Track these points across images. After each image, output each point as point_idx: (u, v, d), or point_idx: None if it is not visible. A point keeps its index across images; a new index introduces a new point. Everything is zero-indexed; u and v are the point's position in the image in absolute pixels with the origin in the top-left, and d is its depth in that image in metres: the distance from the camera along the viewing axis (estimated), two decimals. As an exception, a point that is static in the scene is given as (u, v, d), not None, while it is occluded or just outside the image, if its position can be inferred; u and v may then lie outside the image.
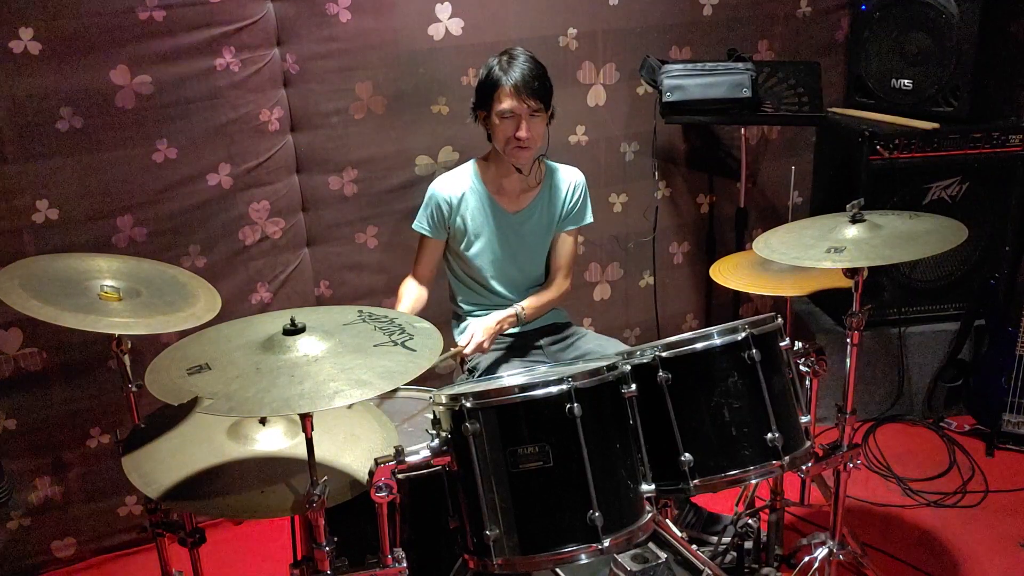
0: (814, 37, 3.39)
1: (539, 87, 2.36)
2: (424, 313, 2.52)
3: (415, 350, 1.59)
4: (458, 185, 2.52)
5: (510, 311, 2.48)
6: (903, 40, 3.17)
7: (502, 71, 2.34)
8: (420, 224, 2.54)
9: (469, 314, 2.63)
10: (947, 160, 3.12)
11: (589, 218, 2.63)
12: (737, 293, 3.31)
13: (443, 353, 2.24)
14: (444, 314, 2.73)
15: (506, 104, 2.34)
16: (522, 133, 2.35)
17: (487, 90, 2.37)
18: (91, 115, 2.49)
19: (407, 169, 2.96)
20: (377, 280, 3.03)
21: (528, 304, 2.53)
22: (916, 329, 3.29)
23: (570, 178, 2.59)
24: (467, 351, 2.37)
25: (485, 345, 2.39)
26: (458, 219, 2.51)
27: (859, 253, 1.95)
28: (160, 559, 2.06)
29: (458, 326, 2.67)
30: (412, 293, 2.56)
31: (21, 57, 2.38)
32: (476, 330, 2.40)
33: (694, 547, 2.06)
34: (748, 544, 2.33)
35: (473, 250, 2.54)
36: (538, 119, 2.38)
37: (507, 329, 2.49)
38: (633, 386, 1.77)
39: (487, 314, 2.60)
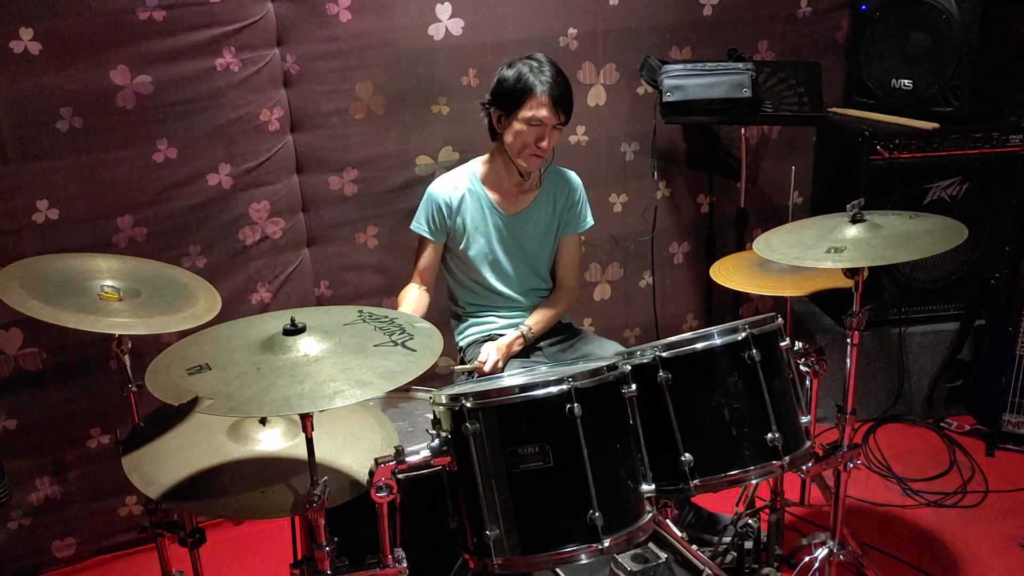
0: (814, 37, 3.39)
1: (570, 102, 2.39)
2: (424, 313, 2.52)
3: (415, 350, 1.59)
4: (457, 187, 2.52)
5: (515, 333, 2.50)
6: (903, 40, 3.17)
7: (536, 79, 2.33)
8: (420, 226, 2.54)
9: (470, 315, 2.64)
10: (947, 160, 3.12)
11: (590, 221, 2.64)
12: (737, 293, 3.31)
13: (460, 367, 2.41)
14: (444, 315, 2.73)
15: (540, 112, 2.33)
16: (545, 143, 2.36)
17: (518, 93, 2.34)
18: (91, 115, 2.49)
19: (407, 169, 2.96)
20: (377, 280, 3.03)
21: (535, 321, 2.55)
22: (916, 329, 3.29)
23: (569, 182, 2.61)
24: (486, 368, 2.40)
25: (500, 364, 2.43)
26: (457, 220, 2.51)
27: (859, 253, 1.95)
28: (160, 559, 2.06)
29: (458, 327, 2.67)
30: (413, 298, 2.54)
31: (21, 57, 2.38)
32: (491, 351, 2.43)
33: (694, 547, 2.06)
34: (748, 544, 2.33)
35: (472, 251, 2.54)
36: (558, 131, 2.40)
37: (517, 350, 2.49)
38: (633, 386, 1.78)
39: (487, 315, 2.61)
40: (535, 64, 2.36)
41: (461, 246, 2.54)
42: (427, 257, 2.56)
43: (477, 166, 2.55)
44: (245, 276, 2.83)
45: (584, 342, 2.61)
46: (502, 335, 2.53)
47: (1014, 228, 3.20)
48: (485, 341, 2.54)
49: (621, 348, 2.57)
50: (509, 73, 2.38)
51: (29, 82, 2.40)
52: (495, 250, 2.54)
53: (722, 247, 3.40)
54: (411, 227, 2.56)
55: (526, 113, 2.34)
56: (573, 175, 2.63)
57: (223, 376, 1.48)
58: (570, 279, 2.66)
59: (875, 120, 3.23)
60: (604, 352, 2.52)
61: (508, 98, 2.37)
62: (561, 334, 2.64)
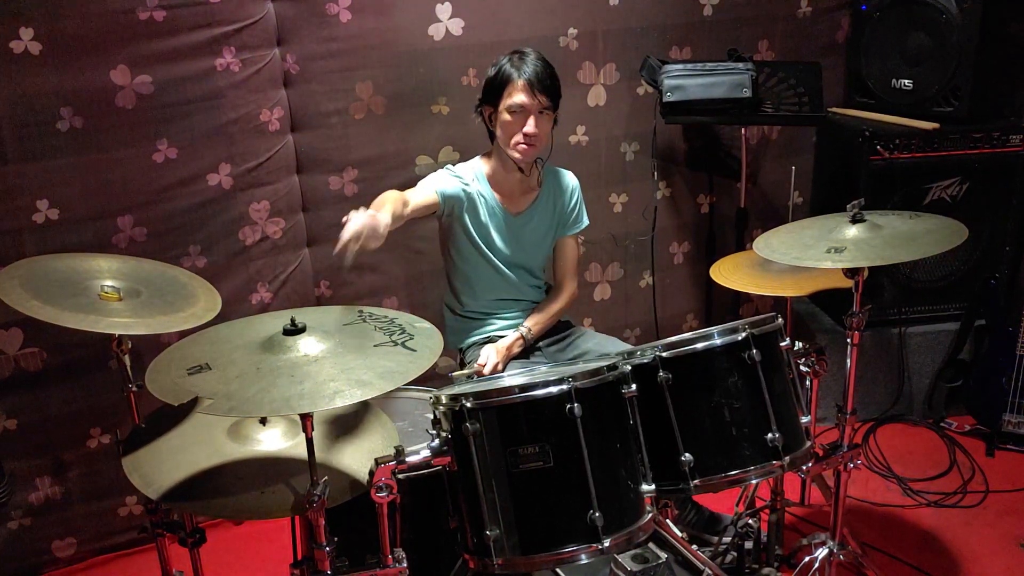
0: (814, 37, 3.39)
1: (551, 85, 2.38)
2: (425, 313, 2.51)
3: (415, 350, 1.59)
4: (468, 181, 2.51)
5: (515, 335, 2.51)
6: (903, 40, 3.17)
7: (514, 67, 2.36)
8: (431, 181, 2.44)
9: (469, 317, 2.63)
10: (947, 160, 3.12)
11: (586, 221, 2.65)
12: (737, 293, 3.31)
13: (460, 372, 2.34)
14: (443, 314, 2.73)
15: (517, 99, 2.34)
16: (529, 128, 2.36)
17: (498, 85, 2.37)
18: (91, 115, 2.49)
19: (407, 169, 2.96)
20: (377, 280, 3.03)
21: (534, 322, 2.55)
22: (916, 329, 3.29)
23: (567, 182, 2.61)
24: (485, 371, 2.40)
25: (500, 367, 2.44)
26: (464, 214, 2.50)
27: (859, 253, 1.95)
28: (160, 559, 2.06)
29: (458, 328, 2.67)
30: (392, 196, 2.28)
31: (21, 57, 2.38)
32: (491, 353, 2.44)
33: (694, 547, 2.06)
34: (748, 544, 2.33)
35: (477, 248, 2.53)
36: (545, 117, 2.40)
37: (516, 351, 2.50)
38: (633, 386, 1.77)
39: (486, 316, 2.61)
40: (516, 57, 2.39)
41: (463, 243, 2.53)
42: (416, 201, 2.37)
43: (481, 165, 2.55)
44: (245, 276, 2.83)
45: (583, 339, 2.61)
46: (502, 336, 2.53)
47: (1014, 228, 3.21)
48: (485, 343, 2.54)
49: (621, 344, 2.58)
50: (492, 69, 2.42)
51: (29, 82, 2.40)
52: (497, 248, 2.54)
53: (722, 247, 3.41)
54: (423, 180, 2.45)
55: (507, 101, 2.36)
56: (569, 174, 2.63)
57: (223, 376, 1.49)
58: (568, 280, 2.66)
59: (875, 120, 3.23)
60: (603, 348, 2.53)
61: (492, 92, 2.40)
62: (560, 332, 2.64)
